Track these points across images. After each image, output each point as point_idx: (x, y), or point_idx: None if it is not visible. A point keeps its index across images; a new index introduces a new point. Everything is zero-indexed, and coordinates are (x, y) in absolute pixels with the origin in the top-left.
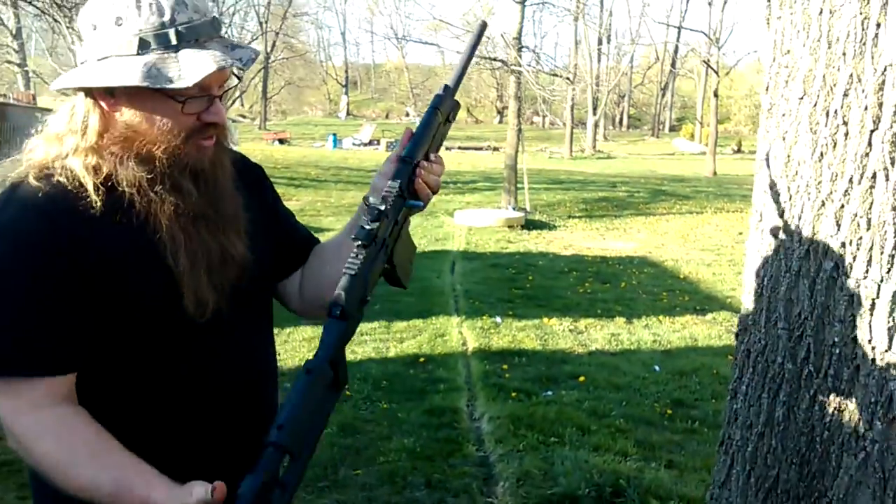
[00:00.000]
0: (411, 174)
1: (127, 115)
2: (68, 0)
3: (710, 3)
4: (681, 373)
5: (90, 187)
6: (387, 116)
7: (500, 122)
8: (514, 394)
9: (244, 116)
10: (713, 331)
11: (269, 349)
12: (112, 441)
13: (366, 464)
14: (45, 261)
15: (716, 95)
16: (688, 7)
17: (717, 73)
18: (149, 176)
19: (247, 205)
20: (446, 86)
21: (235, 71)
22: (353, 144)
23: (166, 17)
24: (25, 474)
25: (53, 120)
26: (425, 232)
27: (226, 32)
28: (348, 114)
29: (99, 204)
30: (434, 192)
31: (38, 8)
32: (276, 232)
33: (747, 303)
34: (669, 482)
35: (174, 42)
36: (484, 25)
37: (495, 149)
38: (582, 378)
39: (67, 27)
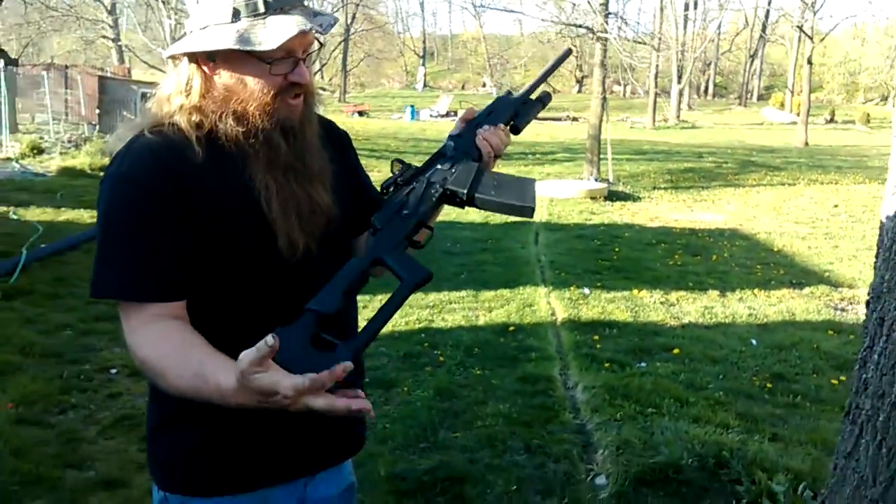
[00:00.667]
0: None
1: (224, 77)
2: None
3: None
4: (779, 347)
5: (193, 140)
6: (463, 87)
7: (579, 91)
8: (606, 364)
9: (324, 89)
10: (811, 305)
11: None
12: (197, 342)
13: (464, 427)
14: (157, 203)
15: (809, 63)
16: None
17: (811, 39)
18: (243, 130)
19: (331, 159)
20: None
21: (317, 35)
22: (431, 116)
23: None
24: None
25: (164, 83)
26: None
27: (308, 3)
28: (425, 85)
29: (202, 154)
30: (496, 153)
31: None
32: (356, 191)
33: (881, 270)
34: (774, 455)
35: (262, 10)
36: (569, 52)
37: (574, 119)
38: (676, 350)
39: (163, 1)
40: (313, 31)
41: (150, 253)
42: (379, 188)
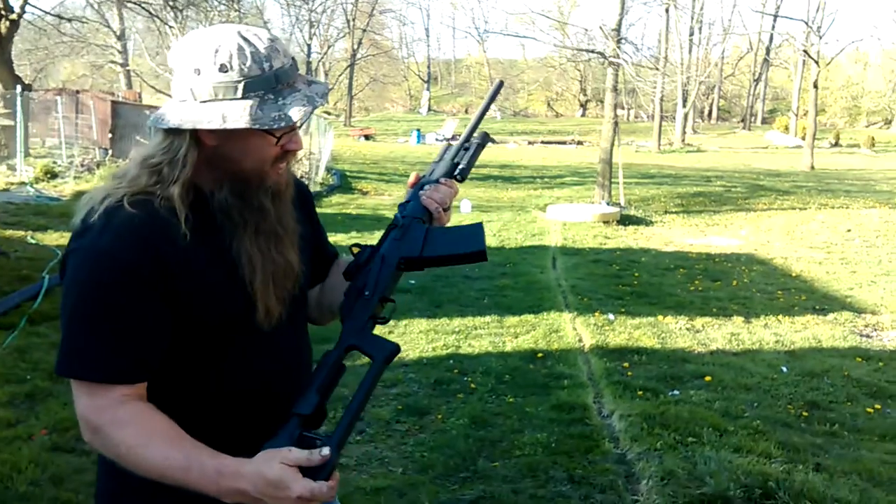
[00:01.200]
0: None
1: (225, 150)
2: (179, 1)
3: None
4: (810, 374)
5: (182, 216)
6: (466, 111)
7: (583, 115)
8: (640, 392)
9: (329, 113)
10: (836, 331)
11: (308, 345)
12: (180, 430)
13: (502, 456)
14: (137, 283)
15: (815, 87)
16: None
17: (817, 63)
18: (238, 202)
19: (297, 219)
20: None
21: (319, 106)
22: (437, 140)
23: (265, 65)
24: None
25: (151, 148)
26: (520, 227)
27: (314, 32)
28: (429, 109)
29: (189, 229)
30: (443, 206)
31: (149, 12)
32: (315, 246)
33: None
34: (821, 485)
35: (273, 86)
36: (500, 84)
37: (579, 142)
38: (708, 378)
39: (179, 28)
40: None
41: (126, 335)
42: (342, 275)
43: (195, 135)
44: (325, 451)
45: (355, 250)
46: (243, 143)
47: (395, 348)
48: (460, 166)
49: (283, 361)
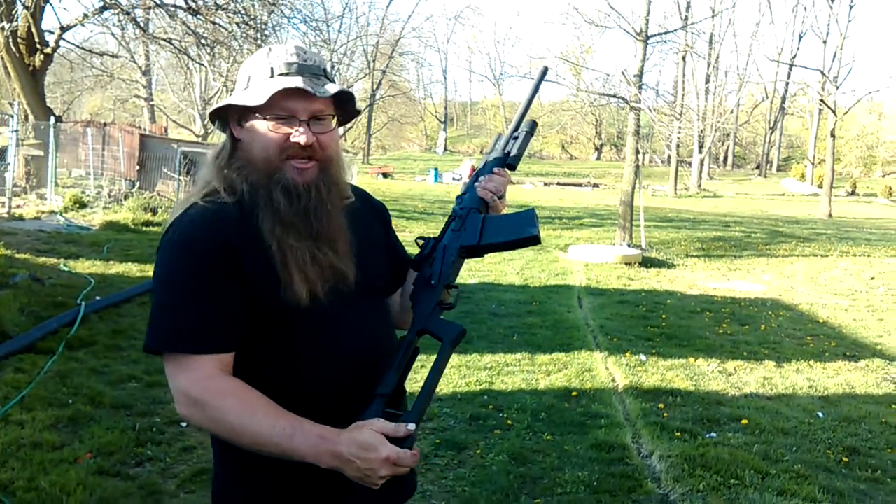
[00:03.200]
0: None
1: (245, 139)
2: (208, 38)
3: (824, 42)
4: (847, 420)
5: (229, 200)
6: (481, 152)
7: (598, 158)
8: (677, 433)
9: (347, 151)
10: (869, 378)
11: (384, 338)
12: (273, 402)
13: (544, 493)
14: (212, 266)
15: (833, 136)
16: (800, 45)
17: (834, 112)
18: (250, 189)
19: (366, 227)
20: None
21: (313, 92)
22: (453, 179)
23: (294, 60)
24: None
25: (217, 148)
26: (542, 267)
27: (335, 72)
28: (445, 149)
29: (238, 213)
30: (498, 195)
31: (178, 49)
32: (390, 255)
33: None
34: None
35: (284, 72)
36: (545, 70)
37: (595, 185)
38: (744, 421)
39: (209, 64)
40: (316, 96)
41: (208, 309)
42: (410, 268)
43: (231, 133)
44: (411, 426)
45: (420, 243)
46: (252, 132)
47: (462, 331)
48: (511, 154)
49: (345, 352)
